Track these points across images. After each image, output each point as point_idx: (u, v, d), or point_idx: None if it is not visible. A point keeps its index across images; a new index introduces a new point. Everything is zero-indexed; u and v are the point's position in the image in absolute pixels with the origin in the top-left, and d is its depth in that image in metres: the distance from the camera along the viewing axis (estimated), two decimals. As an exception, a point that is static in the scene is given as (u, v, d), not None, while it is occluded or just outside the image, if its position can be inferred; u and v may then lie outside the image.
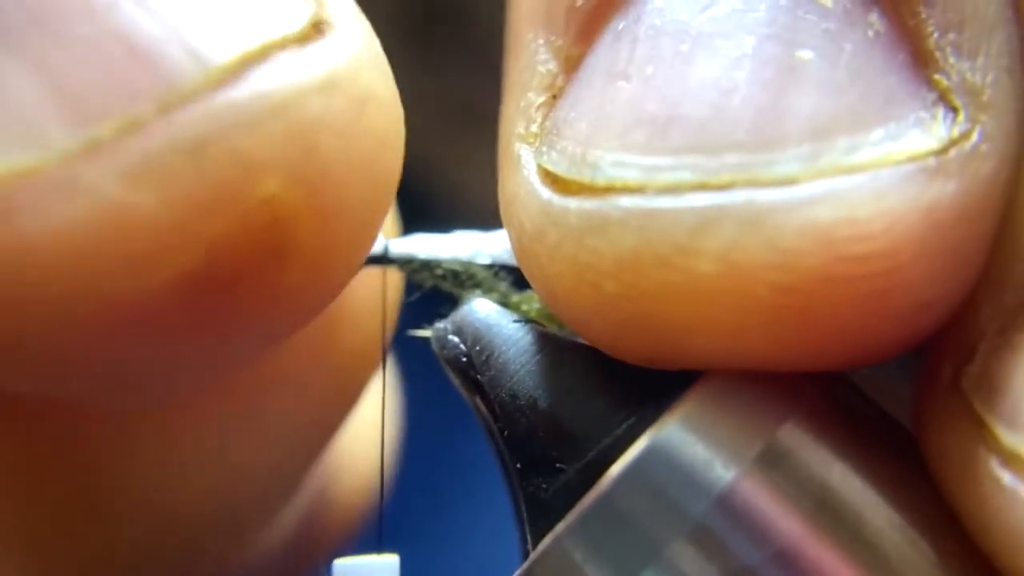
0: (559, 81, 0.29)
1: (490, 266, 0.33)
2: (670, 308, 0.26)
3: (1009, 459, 0.26)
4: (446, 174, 0.77)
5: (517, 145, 0.29)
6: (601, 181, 0.27)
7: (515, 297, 0.33)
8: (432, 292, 0.34)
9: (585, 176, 0.27)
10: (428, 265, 0.34)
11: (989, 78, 0.27)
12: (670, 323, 0.27)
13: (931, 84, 0.27)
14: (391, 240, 0.34)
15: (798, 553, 0.27)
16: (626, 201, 0.26)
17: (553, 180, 0.28)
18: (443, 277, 0.34)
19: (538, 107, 0.29)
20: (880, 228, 0.25)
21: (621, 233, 0.26)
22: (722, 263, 0.26)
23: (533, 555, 0.28)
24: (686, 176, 0.26)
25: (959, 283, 0.27)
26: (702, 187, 0.26)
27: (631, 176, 0.27)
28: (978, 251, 0.27)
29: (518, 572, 0.29)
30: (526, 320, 0.31)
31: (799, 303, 0.26)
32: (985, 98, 0.27)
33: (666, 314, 0.26)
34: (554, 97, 0.29)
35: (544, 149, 0.28)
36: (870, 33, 0.27)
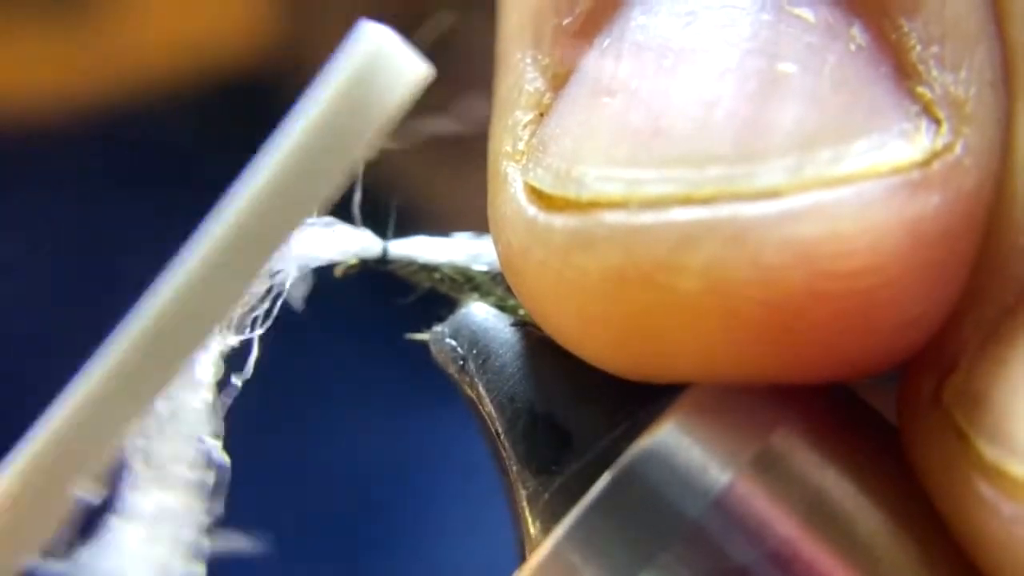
0: (546, 99, 0.29)
1: (487, 270, 0.33)
2: (656, 325, 0.26)
3: (991, 474, 0.26)
4: (433, 199, 0.77)
5: (504, 163, 0.29)
6: (586, 196, 0.27)
7: (512, 300, 0.33)
8: (430, 295, 0.34)
9: (570, 192, 0.27)
10: (426, 268, 0.34)
11: (972, 91, 0.27)
12: (656, 340, 0.27)
13: (914, 96, 0.27)
14: (390, 242, 0.34)
15: (793, 555, 0.27)
16: (610, 217, 0.26)
17: (539, 197, 0.28)
18: (441, 280, 0.34)
19: (525, 125, 0.29)
20: (864, 244, 0.25)
21: (606, 250, 0.26)
22: (705, 280, 0.26)
23: (531, 557, 0.29)
24: (669, 189, 0.26)
25: (944, 298, 0.27)
26: (685, 200, 0.26)
27: (615, 190, 0.26)
28: (963, 266, 0.27)
29: (516, 574, 0.29)
30: (523, 323, 0.31)
31: (783, 320, 0.26)
32: (968, 111, 0.27)
33: (652, 331, 0.26)
34: (541, 115, 0.29)
35: (530, 166, 0.28)
36: (852, 46, 0.27)
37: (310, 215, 0.27)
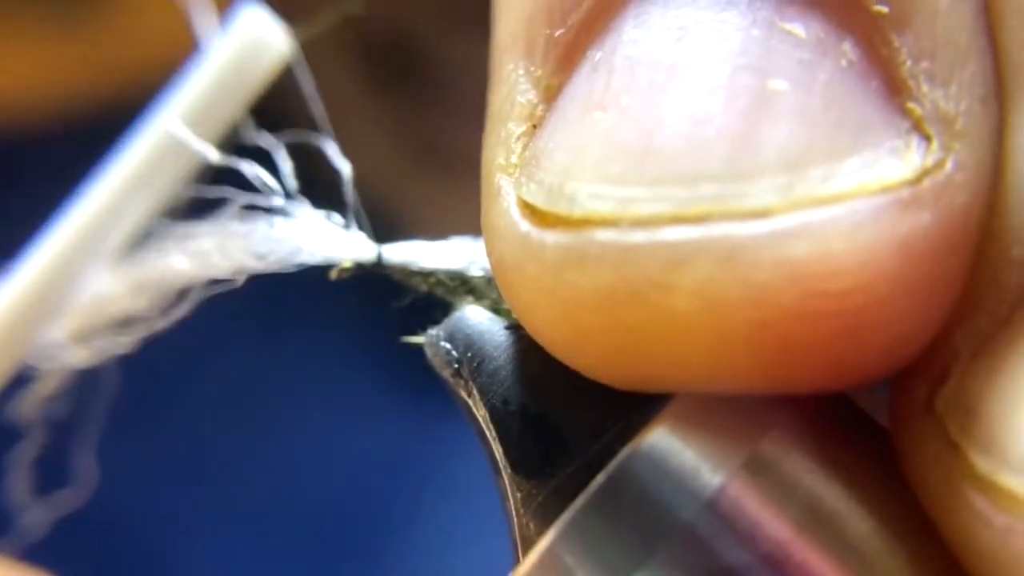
0: (539, 111, 0.29)
1: (482, 274, 0.34)
2: (648, 342, 0.26)
3: (983, 486, 0.26)
4: (409, 210, 0.77)
5: (498, 176, 0.29)
6: (578, 213, 0.27)
7: (507, 303, 0.33)
8: (425, 298, 0.34)
9: (562, 208, 0.27)
10: (421, 272, 0.34)
11: (962, 106, 0.27)
12: (648, 356, 0.27)
13: (905, 112, 0.27)
14: (385, 247, 0.34)
15: (785, 558, 0.27)
16: (602, 235, 0.26)
17: (532, 212, 0.28)
18: (436, 283, 0.34)
19: (518, 137, 0.29)
20: (855, 263, 0.25)
21: (598, 268, 0.26)
22: (697, 299, 0.26)
23: (524, 560, 0.29)
24: (660, 208, 0.26)
25: (936, 315, 0.27)
26: (676, 220, 0.26)
27: (607, 208, 0.26)
28: (955, 282, 0.27)
29: (510, 576, 0.29)
30: (517, 326, 0.32)
31: (775, 338, 0.26)
32: (958, 127, 0.27)
33: (644, 348, 0.27)
34: (534, 127, 0.29)
35: (523, 180, 0.28)
36: (843, 62, 0.27)
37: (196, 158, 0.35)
